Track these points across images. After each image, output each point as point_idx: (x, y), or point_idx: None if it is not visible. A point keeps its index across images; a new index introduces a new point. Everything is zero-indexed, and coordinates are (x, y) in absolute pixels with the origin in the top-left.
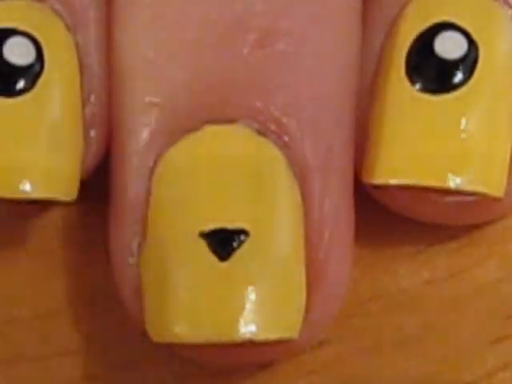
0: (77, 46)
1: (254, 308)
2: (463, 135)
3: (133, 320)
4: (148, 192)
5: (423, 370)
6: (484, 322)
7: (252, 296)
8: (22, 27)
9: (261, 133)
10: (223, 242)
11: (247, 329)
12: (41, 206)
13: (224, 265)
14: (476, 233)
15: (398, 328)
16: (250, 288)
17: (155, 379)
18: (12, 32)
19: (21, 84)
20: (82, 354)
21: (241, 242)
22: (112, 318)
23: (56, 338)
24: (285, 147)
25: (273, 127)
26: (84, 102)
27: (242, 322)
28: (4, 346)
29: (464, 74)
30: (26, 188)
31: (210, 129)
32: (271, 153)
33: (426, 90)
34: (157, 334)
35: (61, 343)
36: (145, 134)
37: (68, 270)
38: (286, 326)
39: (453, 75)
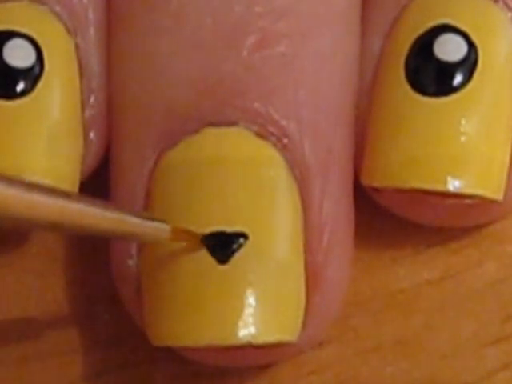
0: (76, 47)
1: (253, 311)
2: (462, 138)
3: (133, 320)
4: (147, 194)
5: (423, 370)
6: (484, 322)
7: (251, 299)
8: (21, 29)
9: (260, 135)
10: (222, 245)
11: (246, 332)
12: None
13: (223, 268)
14: (476, 233)
15: (398, 328)
16: (249, 291)
17: (155, 379)
18: (12, 34)
19: (21, 86)
20: (81, 353)
21: (240, 245)
22: (112, 317)
23: (56, 338)
24: (284, 149)
25: (272, 129)
26: (84, 104)
27: (241, 325)
28: (3, 346)
29: (463, 76)
30: None
31: (209, 131)
32: (270, 155)
33: (425, 92)
34: (156, 337)
35: (61, 343)
36: (144, 136)
37: (68, 270)
38: (285, 328)
39: (452, 78)
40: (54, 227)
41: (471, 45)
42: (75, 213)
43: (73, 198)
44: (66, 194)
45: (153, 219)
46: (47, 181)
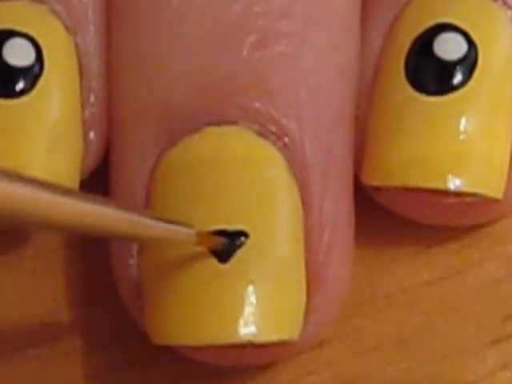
0: (76, 46)
1: (254, 310)
2: (462, 136)
3: (133, 320)
4: (147, 193)
5: (423, 370)
6: (484, 322)
7: (252, 298)
8: (21, 29)
9: (261, 134)
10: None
11: (247, 331)
12: None
13: (224, 267)
14: (476, 233)
15: (398, 328)
16: (250, 290)
17: (155, 379)
18: (12, 33)
19: (20, 85)
20: (82, 353)
21: (240, 244)
22: (112, 318)
23: (56, 337)
24: (284, 148)
25: (272, 128)
26: (83, 103)
27: (241, 324)
28: (4, 345)
29: (463, 75)
30: None
31: (209, 130)
32: (271, 154)
33: (425, 91)
34: (157, 336)
35: (61, 343)
36: (144, 135)
37: (68, 270)
38: (286, 327)
39: (452, 76)
40: (71, 228)
41: (471, 43)
42: (97, 216)
43: (93, 200)
44: (85, 196)
45: (177, 223)
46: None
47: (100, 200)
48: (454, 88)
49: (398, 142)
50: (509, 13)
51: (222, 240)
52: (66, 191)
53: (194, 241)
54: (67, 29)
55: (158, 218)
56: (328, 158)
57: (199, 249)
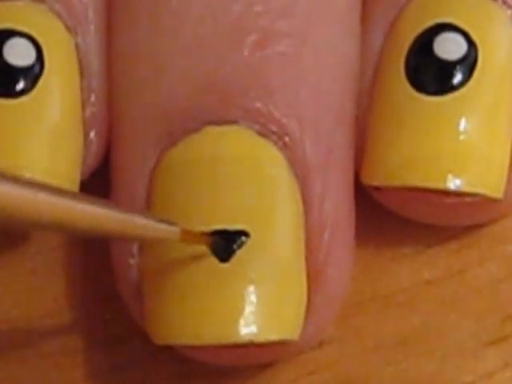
0: (77, 46)
1: (255, 309)
2: (462, 136)
3: (133, 320)
4: (148, 193)
5: (423, 370)
6: (484, 322)
7: (252, 297)
8: (21, 28)
9: (261, 134)
10: (224, 244)
11: (248, 330)
12: None
13: (224, 266)
14: (476, 233)
15: (398, 328)
16: (251, 289)
17: (155, 379)
18: (12, 33)
19: (21, 85)
20: (82, 353)
21: (241, 244)
22: (112, 317)
23: (56, 337)
24: (285, 148)
25: (273, 128)
26: (84, 103)
27: (242, 323)
28: (3, 345)
29: (463, 74)
30: None
31: (210, 130)
32: (272, 154)
33: (425, 90)
34: (157, 336)
35: (61, 343)
36: (145, 135)
37: (68, 270)
38: (287, 327)
39: (452, 76)
40: (61, 228)
41: (471, 43)
42: (84, 214)
43: (80, 199)
44: (73, 195)
45: (162, 221)
46: (47, 180)
47: (80, 198)
48: (453, 88)
49: (397, 142)
50: (508, 12)
51: (209, 238)
52: (50, 189)
53: (177, 238)
54: (68, 28)
55: (140, 215)
56: (328, 157)
57: (199, 248)
